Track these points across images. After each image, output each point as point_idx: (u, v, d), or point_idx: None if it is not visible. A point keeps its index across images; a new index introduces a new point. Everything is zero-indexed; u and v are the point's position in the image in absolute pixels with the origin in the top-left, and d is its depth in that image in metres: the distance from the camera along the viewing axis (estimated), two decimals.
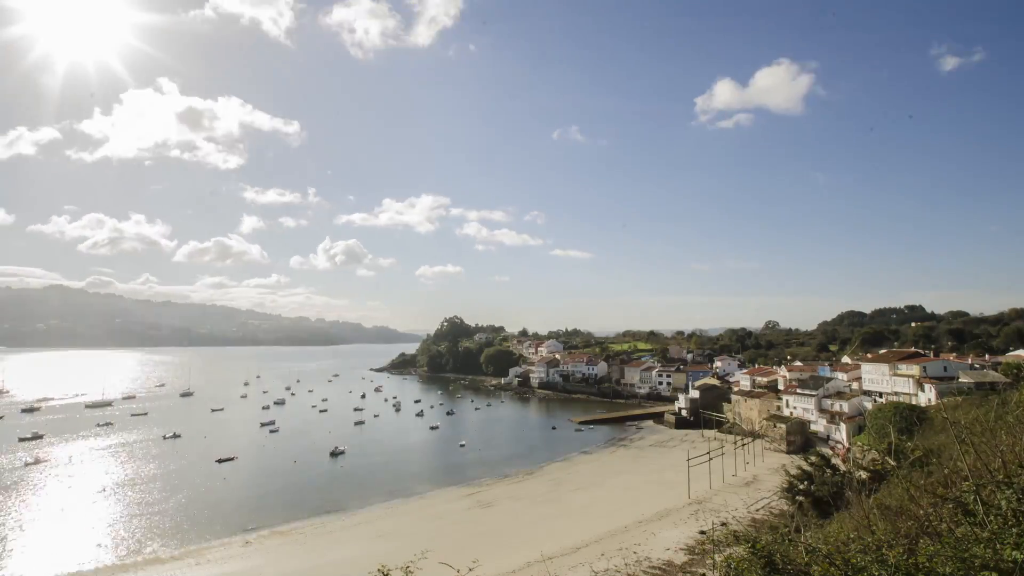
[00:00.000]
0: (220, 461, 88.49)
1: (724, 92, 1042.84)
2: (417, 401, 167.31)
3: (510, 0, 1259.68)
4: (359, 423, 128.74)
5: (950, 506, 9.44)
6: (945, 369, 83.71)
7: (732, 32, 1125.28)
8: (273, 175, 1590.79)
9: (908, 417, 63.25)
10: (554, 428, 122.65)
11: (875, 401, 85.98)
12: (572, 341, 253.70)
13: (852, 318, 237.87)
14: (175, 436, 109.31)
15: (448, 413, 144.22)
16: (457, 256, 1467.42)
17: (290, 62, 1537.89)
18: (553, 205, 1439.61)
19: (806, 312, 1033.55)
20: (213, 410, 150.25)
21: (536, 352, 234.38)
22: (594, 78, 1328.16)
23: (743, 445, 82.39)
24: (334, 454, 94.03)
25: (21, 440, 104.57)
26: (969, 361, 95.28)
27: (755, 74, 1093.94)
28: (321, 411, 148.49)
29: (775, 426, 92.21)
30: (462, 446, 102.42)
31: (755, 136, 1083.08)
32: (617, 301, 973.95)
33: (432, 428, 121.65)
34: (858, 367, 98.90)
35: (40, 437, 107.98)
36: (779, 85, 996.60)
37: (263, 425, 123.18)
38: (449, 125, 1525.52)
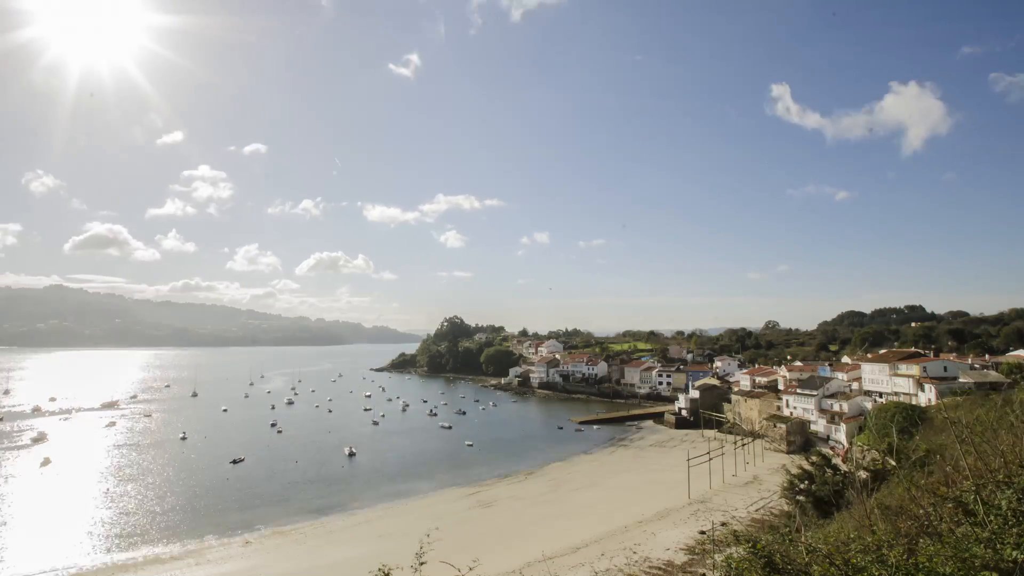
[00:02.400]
0: (235, 462, 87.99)
1: None
2: (425, 401, 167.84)
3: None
4: (368, 424, 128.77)
5: (950, 506, 9.47)
6: (945, 369, 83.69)
7: None
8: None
9: (908, 417, 63.29)
10: (557, 428, 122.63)
11: (875, 401, 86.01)
12: (572, 341, 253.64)
13: (852, 318, 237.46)
14: (181, 437, 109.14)
15: (460, 412, 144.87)
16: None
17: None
18: (543, 196, 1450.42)
19: (806, 312, 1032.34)
20: (218, 410, 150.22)
21: (536, 352, 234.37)
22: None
23: (743, 445, 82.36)
24: (350, 455, 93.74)
25: (28, 441, 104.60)
26: (969, 361, 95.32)
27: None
28: (328, 411, 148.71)
29: (775, 426, 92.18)
30: (469, 446, 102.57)
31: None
32: (617, 301, 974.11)
33: (445, 427, 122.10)
34: (858, 367, 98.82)
35: (46, 438, 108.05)
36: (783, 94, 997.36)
37: (271, 426, 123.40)
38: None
